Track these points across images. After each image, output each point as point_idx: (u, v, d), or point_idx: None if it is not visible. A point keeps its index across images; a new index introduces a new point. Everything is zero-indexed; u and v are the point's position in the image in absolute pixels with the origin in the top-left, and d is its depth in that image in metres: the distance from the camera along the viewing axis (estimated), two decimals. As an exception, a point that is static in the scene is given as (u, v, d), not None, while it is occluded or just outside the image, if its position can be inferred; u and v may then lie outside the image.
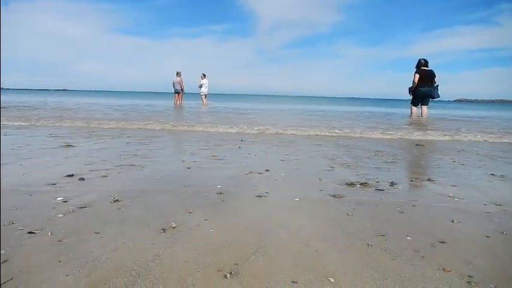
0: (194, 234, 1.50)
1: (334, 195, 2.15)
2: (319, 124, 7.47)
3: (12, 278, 1.11)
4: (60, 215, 1.68)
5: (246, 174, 2.69)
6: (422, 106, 9.70)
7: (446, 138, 5.64)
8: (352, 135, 5.71)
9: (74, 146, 3.86)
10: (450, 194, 2.24)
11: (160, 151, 3.72)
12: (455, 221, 1.75)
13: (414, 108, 9.89)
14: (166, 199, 2.00)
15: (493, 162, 3.53)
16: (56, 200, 1.93)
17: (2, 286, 1.07)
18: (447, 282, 1.17)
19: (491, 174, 2.93)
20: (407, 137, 5.68)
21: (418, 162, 3.55)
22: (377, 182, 2.53)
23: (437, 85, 9.37)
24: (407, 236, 1.56)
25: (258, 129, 5.94)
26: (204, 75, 15.90)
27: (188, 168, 2.87)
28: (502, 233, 1.62)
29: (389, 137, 5.60)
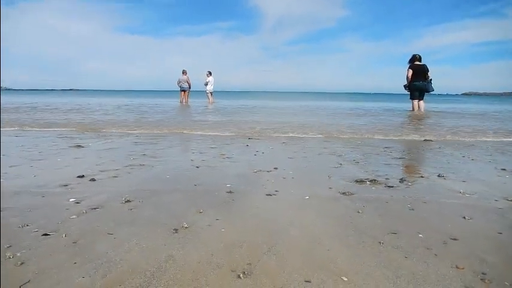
0: (206, 234, 1.51)
1: (343, 193, 2.15)
2: (327, 122, 7.45)
3: (29, 281, 1.13)
4: (74, 216, 1.70)
5: (255, 172, 2.69)
6: (419, 101, 9.93)
7: (451, 136, 5.59)
8: (360, 136, 5.68)
9: (83, 147, 3.89)
10: (461, 190, 2.23)
11: (169, 150, 3.74)
12: (466, 218, 1.75)
13: (415, 101, 10.06)
14: (176, 199, 2.02)
15: (504, 157, 3.50)
16: (68, 201, 1.95)
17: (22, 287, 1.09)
18: (461, 279, 1.16)
19: (502, 169, 2.90)
20: (414, 132, 5.65)
21: (427, 158, 3.53)
22: (386, 178, 2.52)
23: (431, 79, 9.63)
24: (419, 233, 1.55)
25: (269, 134, 5.94)
26: (210, 73, 15.88)
27: (197, 167, 2.88)
28: (515, 229, 1.61)
29: (396, 138, 5.56)
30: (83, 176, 2.49)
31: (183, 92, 15.65)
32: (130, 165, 2.92)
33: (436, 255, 1.34)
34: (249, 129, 5.70)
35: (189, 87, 15.59)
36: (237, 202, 1.97)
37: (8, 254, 1.30)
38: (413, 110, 10.16)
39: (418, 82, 9.61)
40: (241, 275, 1.17)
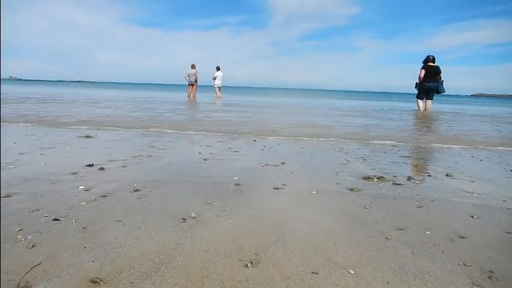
0: (214, 224, 1.52)
1: (351, 189, 2.15)
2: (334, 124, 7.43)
3: (40, 263, 1.15)
4: (83, 203, 1.73)
5: (263, 166, 2.70)
6: (427, 100, 10.16)
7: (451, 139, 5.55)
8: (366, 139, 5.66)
9: (92, 137, 3.92)
10: (469, 190, 2.22)
11: (177, 143, 3.76)
12: (474, 217, 1.74)
13: (420, 101, 10.36)
14: (184, 189, 2.03)
15: (513, 158, 3.47)
16: (78, 188, 1.97)
17: (32, 270, 1.11)
18: (468, 277, 1.16)
19: (511, 170, 2.88)
20: (421, 132, 5.61)
21: (435, 157, 3.51)
22: (394, 176, 2.52)
23: (442, 80, 9.82)
24: (426, 230, 1.55)
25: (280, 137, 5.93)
26: (218, 68, 15.88)
27: (205, 159, 2.89)
28: (523, 229, 1.60)
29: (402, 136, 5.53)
30: (92, 165, 2.52)
31: (191, 86, 15.67)
32: (139, 155, 2.94)
33: (443, 252, 1.34)
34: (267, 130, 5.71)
35: (196, 82, 15.60)
36: (244, 194, 1.98)
37: (19, 237, 1.32)
38: (419, 109, 10.42)
39: (430, 83, 9.80)
40: (248, 265, 1.18)
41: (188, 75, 15.44)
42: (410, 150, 3.79)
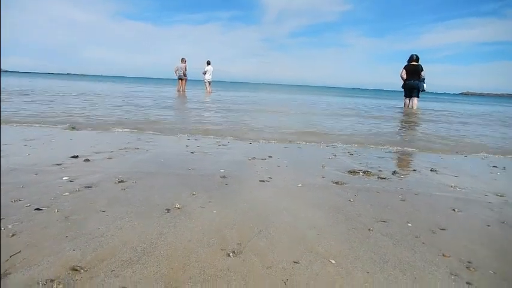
0: (198, 215, 1.52)
1: (336, 182, 2.16)
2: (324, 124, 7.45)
3: (20, 251, 1.14)
4: (67, 193, 1.71)
5: (250, 159, 2.70)
6: (413, 98, 10.33)
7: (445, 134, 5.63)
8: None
9: (78, 129, 3.88)
10: (452, 184, 2.25)
11: (164, 136, 3.74)
12: (456, 210, 1.77)
13: (406, 100, 10.59)
14: (170, 181, 2.02)
15: (495, 155, 3.53)
16: (61, 179, 1.95)
17: (11, 258, 1.10)
18: (446, 266, 1.19)
19: (494, 166, 2.93)
20: (409, 129, 5.68)
21: (421, 153, 3.56)
22: (379, 170, 2.54)
23: (424, 78, 10.04)
24: (408, 222, 1.57)
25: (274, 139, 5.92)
26: (209, 62, 15.77)
27: (192, 152, 2.88)
28: (503, 222, 1.64)
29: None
30: (77, 157, 2.49)
31: (180, 80, 15.55)
32: (125, 148, 2.92)
33: (423, 243, 1.36)
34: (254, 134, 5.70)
35: (185, 76, 15.48)
36: (230, 186, 1.98)
37: (-1, 226, 1.31)
38: (404, 106, 10.68)
39: (411, 81, 10.02)
40: (230, 254, 1.18)
41: (177, 69, 15.30)
42: (397, 146, 3.82)
